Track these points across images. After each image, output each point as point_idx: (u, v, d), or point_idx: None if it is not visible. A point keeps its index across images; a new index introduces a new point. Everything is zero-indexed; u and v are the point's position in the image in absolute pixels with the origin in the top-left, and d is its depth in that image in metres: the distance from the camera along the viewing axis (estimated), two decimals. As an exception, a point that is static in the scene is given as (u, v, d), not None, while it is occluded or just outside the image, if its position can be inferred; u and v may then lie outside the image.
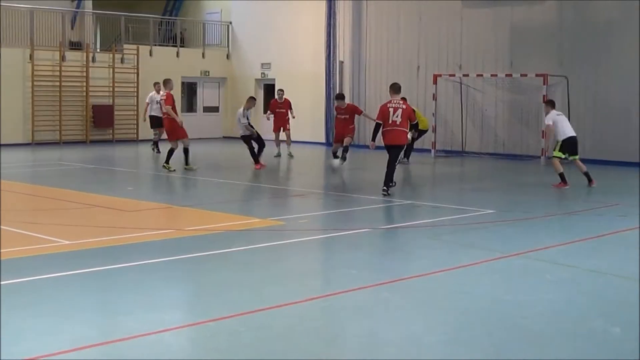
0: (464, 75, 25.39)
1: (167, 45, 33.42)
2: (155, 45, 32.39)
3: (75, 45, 30.45)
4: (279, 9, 31.55)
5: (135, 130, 30.77)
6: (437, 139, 25.23)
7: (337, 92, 29.33)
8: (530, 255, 9.92)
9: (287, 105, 24.42)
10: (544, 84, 22.71)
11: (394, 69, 27.93)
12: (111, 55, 30.51)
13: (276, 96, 25.13)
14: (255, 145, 20.43)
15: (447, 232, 11.76)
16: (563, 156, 16.74)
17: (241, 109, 20.78)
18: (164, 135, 21.84)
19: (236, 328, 6.77)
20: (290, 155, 23.85)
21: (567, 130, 16.84)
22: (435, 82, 25.22)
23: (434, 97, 24.90)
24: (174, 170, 19.16)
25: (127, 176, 19.82)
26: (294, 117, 24.61)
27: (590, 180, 16.86)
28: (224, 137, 33.52)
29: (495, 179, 19.80)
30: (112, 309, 7.35)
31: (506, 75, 24.32)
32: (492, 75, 24.61)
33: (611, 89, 22.68)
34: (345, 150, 19.82)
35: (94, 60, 29.95)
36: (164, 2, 35.86)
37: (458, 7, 26.04)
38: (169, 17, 35.11)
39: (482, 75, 24.86)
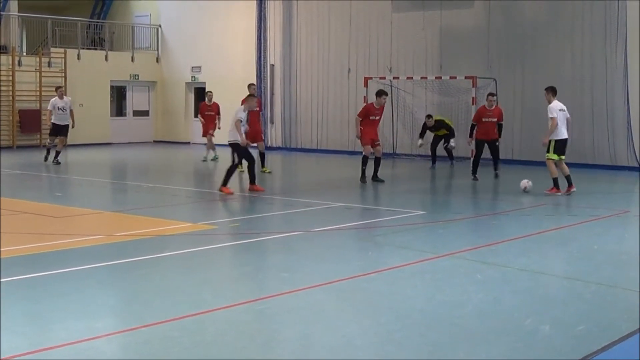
0: (394, 78, 25.59)
1: (95, 49, 33.00)
2: (83, 48, 31.96)
3: (1, 49, 29.89)
4: (209, 12, 31.41)
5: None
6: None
7: (269, 94, 29.41)
8: (461, 255, 10.04)
9: (216, 108, 23.86)
10: (472, 86, 23.00)
11: (325, 72, 28.06)
12: (38, 59, 30.01)
13: (205, 99, 24.60)
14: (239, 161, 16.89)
15: (379, 234, 11.84)
16: (557, 158, 15.82)
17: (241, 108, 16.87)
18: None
19: (170, 333, 6.72)
20: (215, 159, 23.46)
21: (563, 130, 15.92)
22: (365, 84, 25.34)
23: (365, 100, 24.97)
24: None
25: (55, 182, 19.50)
26: (219, 128, 23.47)
27: (570, 185, 15.90)
28: (155, 142, 33.26)
29: (426, 181, 19.99)
30: (43, 318, 7.23)
31: (436, 77, 24.59)
32: (422, 77, 24.86)
33: (538, 91, 23.03)
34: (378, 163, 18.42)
35: (20, 64, 29.45)
36: (91, 4, 35.41)
37: (388, 11, 26.28)
38: (97, 20, 34.68)
39: (412, 77, 25.08)
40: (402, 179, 20.66)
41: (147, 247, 10.56)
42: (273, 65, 29.61)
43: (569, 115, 16.24)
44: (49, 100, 29.45)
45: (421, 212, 13.67)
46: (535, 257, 10.10)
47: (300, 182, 19.83)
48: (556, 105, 15.98)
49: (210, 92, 24.76)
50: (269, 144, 29.51)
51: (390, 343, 6.53)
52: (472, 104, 22.77)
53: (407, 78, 25.19)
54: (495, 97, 18.46)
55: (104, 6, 35.28)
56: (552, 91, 16.25)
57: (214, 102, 24.00)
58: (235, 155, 16.44)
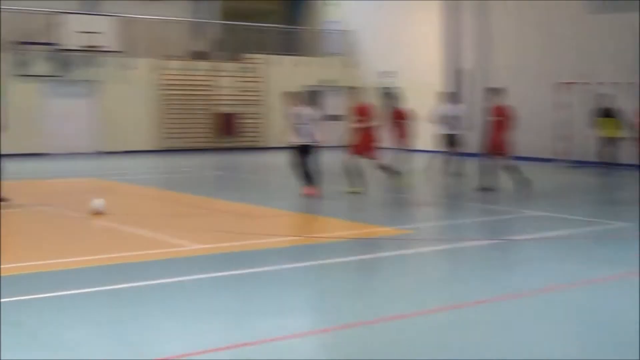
0: (598, 83, 24.47)
1: (289, 54, 33.70)
2: (278, 54, 32.71)
3: (202, 55, 31.03)
4: (401, 17, 31.43)
5: (261, 138, 31.11)
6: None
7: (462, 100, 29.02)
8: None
9: (404, 115, 21.24)
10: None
11: (519, 77, 27.37)
12: (237, 64, 30.98)
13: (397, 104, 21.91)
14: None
15: (578, 245, 11.30)
16: None
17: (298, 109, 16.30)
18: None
19: (364, 336, 6.65)
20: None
21: None
22: (563, 90, 24.55)
23: (562, 107, 24.17)
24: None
25: (254, 183, 19.93)
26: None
27: None
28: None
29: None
30: (239, 314, 7.34)
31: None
32: (629, 83, 23.51)
33: None
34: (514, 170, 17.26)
35: (220, 69, 30.44)
36: (286, 11, 36.21)
37: (582, 12, 25.27)
38: (291, 27, 35.38)
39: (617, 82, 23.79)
40: (612, 188, 19.66)
41: (342, 250, 10.56)
42: (465, 70, 29.24)
43: None
44: (247, 104, 30.57)
45: (629, 224, 12.85)
46: None
47: (499, 188, 19.29)
48: None
49: (398, 97, 22.53)
50: (470, 150, 29.07)
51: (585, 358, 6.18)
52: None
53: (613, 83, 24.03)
54: None
55: (297, 13, 35.94)
56: None
57: (403, 109, 21.56)
58: None
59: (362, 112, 16.99)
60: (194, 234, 11.44)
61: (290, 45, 34.73)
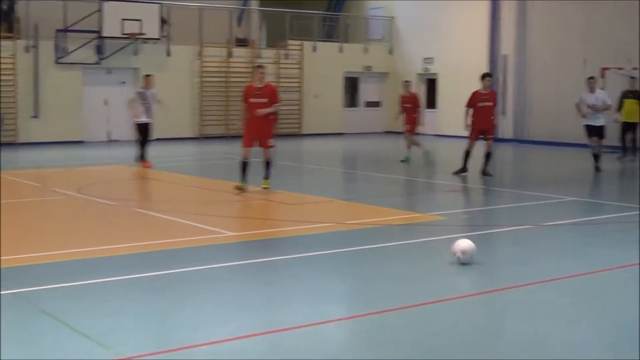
0: (633, 68, 24.39)
1: (330, 41, 33.72)
2: (319, 40, 32.74)
3: (242, 42, 31.15)
4: (442, 3, 31.26)
5: (299, 125, 31.22)
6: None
7: (502, 85, 28.87)
8: None
9: (414, 100, 21.05)
10: None
11: (560, 62, 27.19)
12: (276, 51, 31.07)
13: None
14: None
15: (614, 230, 11.31)
16: None
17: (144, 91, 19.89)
18: None
19: (396, 322, 6.75)
20: (406, 159, 20.72)
21: None
22: (602, 75, 24.36)
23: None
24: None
25: (288, 170, 20.04)
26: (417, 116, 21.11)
27: None
28: (386, 132, 33.55)
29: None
30: (275, 300, 7.46)
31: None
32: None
33: None
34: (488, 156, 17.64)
35: (259, 56, 30.55)
36: (328, -2, 36.23)
37: (629, -2, 25.09)
38: (333, 13, 35.39)
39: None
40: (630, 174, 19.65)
41: (375, 236, 10.64)
42: (506, 55, 29.09)
43: None
44: (286, 91, 30.55)
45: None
46: None
47: (531, 175, 19.28)
48: None
49: (408, 81, 22.07)
50: (500, 135, 29.00)
51: (626, 344, 6.21)
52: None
53: (648, 68, 23.96)
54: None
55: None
56: None
57: (412, 93, 21.33)
58: None
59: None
60: (232, 221, 11.59)
61: (333, 31, 34.71)
